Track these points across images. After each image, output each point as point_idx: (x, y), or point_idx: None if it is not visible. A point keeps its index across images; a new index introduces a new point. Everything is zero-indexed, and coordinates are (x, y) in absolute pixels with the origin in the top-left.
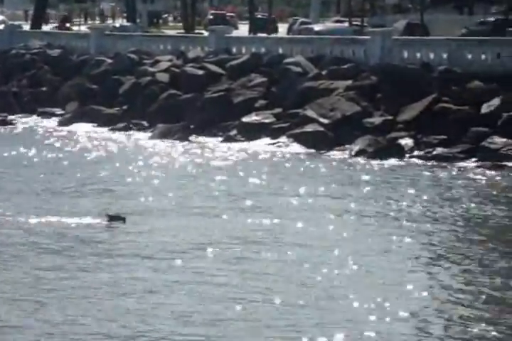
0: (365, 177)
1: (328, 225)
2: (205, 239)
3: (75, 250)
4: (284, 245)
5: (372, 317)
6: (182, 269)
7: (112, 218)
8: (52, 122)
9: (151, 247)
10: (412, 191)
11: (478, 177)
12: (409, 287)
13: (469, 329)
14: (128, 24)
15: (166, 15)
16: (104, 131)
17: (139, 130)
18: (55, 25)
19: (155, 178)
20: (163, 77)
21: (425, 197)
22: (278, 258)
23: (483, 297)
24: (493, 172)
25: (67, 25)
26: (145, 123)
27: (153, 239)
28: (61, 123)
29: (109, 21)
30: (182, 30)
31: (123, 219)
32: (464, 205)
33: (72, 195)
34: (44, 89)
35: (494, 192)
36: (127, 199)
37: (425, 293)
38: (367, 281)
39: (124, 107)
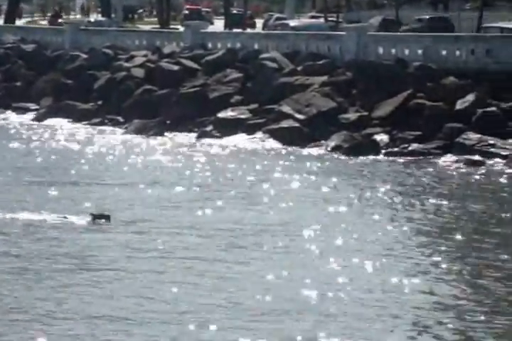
0: (339, 173)
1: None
2: (190, 233)
3: (56, 252)
4: (263, 234)
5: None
6: (172, 267)
7: (97, 217)
8: (26, 117)
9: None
10: (383, 185)
11: (453, 172)
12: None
13: (445, 316)
14: (103, 19)
15: (141, 10)
16: (79, 127)
17: (114, 125)
18: (29, 19)
19: (130, 173)
20: (139, 73)
21: (397, 189)
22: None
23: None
24: (467, 168)
25: (60, 20)
26: (120, 118)
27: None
28: (36, 119)
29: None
30: (157, 26)
31: (107, 218)
32: (435, 200)
33: (45, 189)
34: (18, 84)
35: (467, 187)
36: (104, 194)
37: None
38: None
39: (99, 102)
